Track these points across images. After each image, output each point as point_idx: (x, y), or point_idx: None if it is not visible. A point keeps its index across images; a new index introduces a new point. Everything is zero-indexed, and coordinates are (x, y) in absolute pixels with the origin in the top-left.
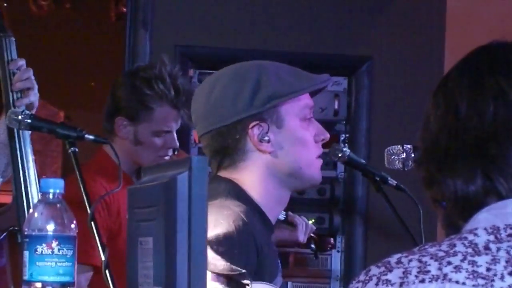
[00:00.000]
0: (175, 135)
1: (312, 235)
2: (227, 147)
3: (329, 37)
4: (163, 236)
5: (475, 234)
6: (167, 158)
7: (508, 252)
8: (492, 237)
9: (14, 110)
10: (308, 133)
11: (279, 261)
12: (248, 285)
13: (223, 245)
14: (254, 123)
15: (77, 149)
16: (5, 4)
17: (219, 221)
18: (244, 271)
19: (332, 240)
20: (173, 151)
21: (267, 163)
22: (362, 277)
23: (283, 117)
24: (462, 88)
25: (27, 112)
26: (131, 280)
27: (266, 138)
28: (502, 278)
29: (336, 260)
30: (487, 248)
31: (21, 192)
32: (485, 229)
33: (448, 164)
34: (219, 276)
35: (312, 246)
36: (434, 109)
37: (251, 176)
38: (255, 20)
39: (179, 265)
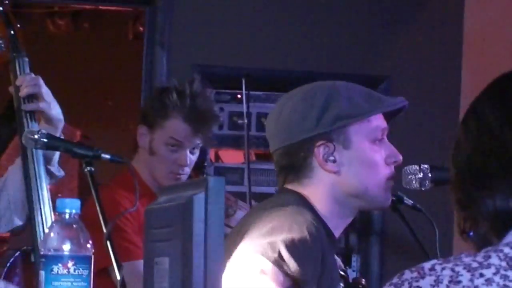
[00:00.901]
0: (187, 152)
1: (341, 272)
2: (294, 165)
3: (347, 56)
4: (179, 256)
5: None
6: (181, 177)
7: None
8: None
9: (30, 130)
10: (377, 155)
11: (339, 275)
12: None
13: (297, 249)
14: (320, 142)
15: (93, 169)
16: (18, 25)
17: (294, 226)
18: (306, 281)
19: (364, 281)
20: (202, 173)
21: (332, 182)
22: (395, 280)
23: (351, 138)
24: (495, 110)
25: (43, 131)
26: None
27: (332, 158)
28: None
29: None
30: None
31: (35, 212)
32: None
33: (485, 182)
34: (285, 276)
35: (341, 284)
36: (464, 133)
37: (316, 192)
38: (271, 40)
39: (195, 286)
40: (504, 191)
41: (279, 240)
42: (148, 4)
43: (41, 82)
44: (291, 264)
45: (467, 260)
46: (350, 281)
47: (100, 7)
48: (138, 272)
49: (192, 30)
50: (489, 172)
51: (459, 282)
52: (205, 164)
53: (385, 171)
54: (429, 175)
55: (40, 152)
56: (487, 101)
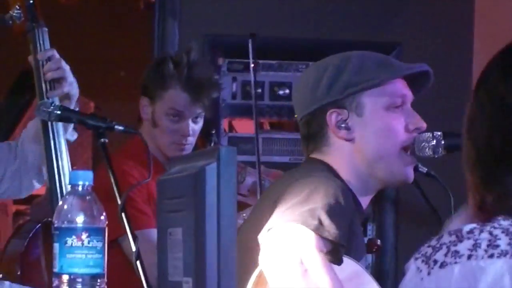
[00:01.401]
0: (189, 122)
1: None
2: (312, 134)
3: (358, 24)
4: (193, 226)
5: None
6: (185, 147)
7: None
8: None
9: (44, 102)
10: (395, 122)
11: (365, 247)
12: (340, 260)
13: (335, 213)
14: (332, 110)
15: (107, 140)
16: None
17: (329, 190)
18: (345, 242)
19: (379, 241)
20: (213, 142)
21: (349, 149)
22: (433, 242)
23: (364, 105)
24: (508, 85)
25: (57, 103)
26: (161, 271)
27: (343, 125)
28: None
29: None
30: None
31: (55, 184)
32: None
33: (509, 161)
34: (326, 241)
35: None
36: (478, 108)
37: (337, 161)
38: (282, 8)
39: (209, 256)
40: None
41: (318, 207)
42: None
43: (64, 64)
44: (332, 229)
45: (505, 223)
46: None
47: None
48: (149, 241)
49: (203, 0)
50: (511, 151)
51: (497, 246)
52: (213, 132)
53: (402, 138)
54: (442, 142)
55: (60, 124)
56: (498, 71)
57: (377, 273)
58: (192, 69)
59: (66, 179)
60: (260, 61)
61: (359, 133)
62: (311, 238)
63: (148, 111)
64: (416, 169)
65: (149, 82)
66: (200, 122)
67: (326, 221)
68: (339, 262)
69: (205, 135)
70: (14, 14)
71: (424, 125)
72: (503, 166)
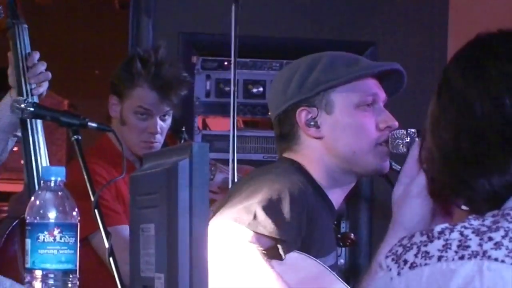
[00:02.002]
0: (157, 120)
1: None
2: (283, 133)
3: (333, 23)
4: (165, 222)
5: None
6: (153, 145)
7: None
8: None
9: (17, 99)
10: (365, 120)
11: (335, 242)
12: (282, 256)
13: (275, 209)
14: (301, 108)
15: (80, 137)
16: None
17: (274, 186)
18: (286, 240)
19: (352, 235)
20: (183, 140)
21: (319, 147)
22: (405, 241)
23: (334, 103)
24: (471, 88)
25: (30, 100)
26: (133, 267)
27: (313, 123)
28: None
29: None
30: None
31: (33, 180)
32: None
33: (477, 165)
34: (262, 237)
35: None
36: (442, 113)
37: (307, 159)
38: (256, 7)
39: (181, 252)
40: (498, 170)
41: (255, 202)
42: None
43: (45, 66)
44: (268, 225)
45: (475, 223)
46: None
47: None
48: (120, 237)
49: None
50: (479, 154)
51: (468, 247)
52: (183, 129)
53: (374, 135)
54: (416, 139)
55: (39, 121)
56: (461, 76)
57: (352, 268)
58: (160, 67)
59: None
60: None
61: (328, 131)
62: (246, 235)
63: (116, 109)
64: (390, 167)
65: (117, 80)
66: (169, 120)
67: (261, 216)
68: (281, 257)
69: (175, 133)
70: None
71: (395, 123)
72: (471, 169)
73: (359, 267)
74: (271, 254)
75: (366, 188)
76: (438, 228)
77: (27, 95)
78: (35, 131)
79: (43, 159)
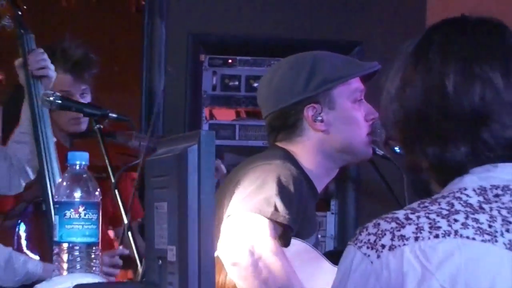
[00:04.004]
0: (78, 98)
1: None
2: (286, 125)
3: (322, 24)
4: (176, 200)
5: (467, 195)
6: (80, 120)
7: (499, 212)
8: (481, 198)
9: (46, 92)
10: (359, 113)
11: (317, 223)
12: (289, 242)
13: (287, 199)
14: (308, 105)
15: (102, 126)
16: (25, 7)
17: (282, 179)
18: (294, 224)
19: None
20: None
21: (320, 139)
22: (372, 230)
23: (335, 99)
24: (450, 72)
25: (57, 94)
26: (149, 240)
27: (319, 118)
28: (502, 234)
29: (330, 221)
30: (481, 207)
31: (44, 167)
32: (473, 190)
33: (439, 137)
34: (278, 226)
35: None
36: (414, 75)
37: (305, 149)
38: (256, 11)
39: (190, 227)
40: (452, 146)
41: (273, 194)
42: None
43: (46, 56)
44: (286, 214)
45: (434, 208)
46: None
47: None
48: None
49: (187, 3)
50: (443, 128)
51: (439, 227)
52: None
53: (366, 127)
54: None
55: (46, 116)
56: (442, 58)
57: (340, 245)
58: (67, 51)
59: (53, 163)
60: (237, 57)
61: (331, 125)
62: (266, 226)
63: None
64: (374, 152)
65: None
66: (88, 97)
67: (281, 207)
68: (287, 244)
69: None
70: (5, 23)
71: (377, 115)
72: (430, 138)
73: (346, 238)
74: (281, 242)
75: (353, 170)
76: (401, 215)
77: (35, 93)
78: (44, 124)
79: (52, 148)
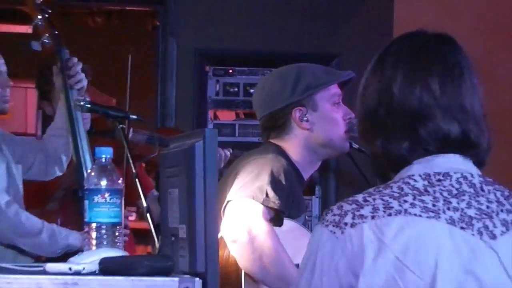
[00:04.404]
0: None
1: None
2: (276, 125)
3: (305, 38)
4: (186, 187)
5: (414, 180)
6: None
7: (441, 194)
8: (426, 182)
9: (78, 98)
10: (337, 114)
11: (304, 206)
12: (282, 222)
13: (278, 188)
14: (295, 108)
15: (124, 126)
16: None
17: (274, 169)
18: (284, 208)
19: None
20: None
21: (306, 136)
22: (337, 211)
23: (317, 102)
24: (397, 78)
25: (87, 99)
26: (163, 221)
27: (305, 118)
28: (444, 212)
29: (315, 204)
30: (426, 190)
31: (80, 160)
32: (419, 175)
33: (384, 131)
34: (270, 210)
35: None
36: (372, 82)
37: (293, 145)
38: (250, 30)
39: (197, 209)
40: (396, 140)
41: (265, 184)
42: (162, 5)
43: (80, 68)
44: (276, 200)
45: (387, 191)
46: None
47: (127, 8)
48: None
49: (194, 23)
50: (389, 124)
51: (392, 207)
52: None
53: (343, 125)
54: None
55: (80, 117)
56: (394, 65)
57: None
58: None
59: (86, 156)
60: (237, 68)
61: (315, 124)
62: (259, 210)
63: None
64: (351, 146)
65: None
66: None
67: (271, 194)
68: (280, 225)
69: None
70: (45, 40)
71: (353, 115)
72: (381, 132)
73: None
74: (273, 223)
75: (333, 162)
76: (359, 197)
77: (70, 93)
78: (78, 123)
79: (85, 144)
